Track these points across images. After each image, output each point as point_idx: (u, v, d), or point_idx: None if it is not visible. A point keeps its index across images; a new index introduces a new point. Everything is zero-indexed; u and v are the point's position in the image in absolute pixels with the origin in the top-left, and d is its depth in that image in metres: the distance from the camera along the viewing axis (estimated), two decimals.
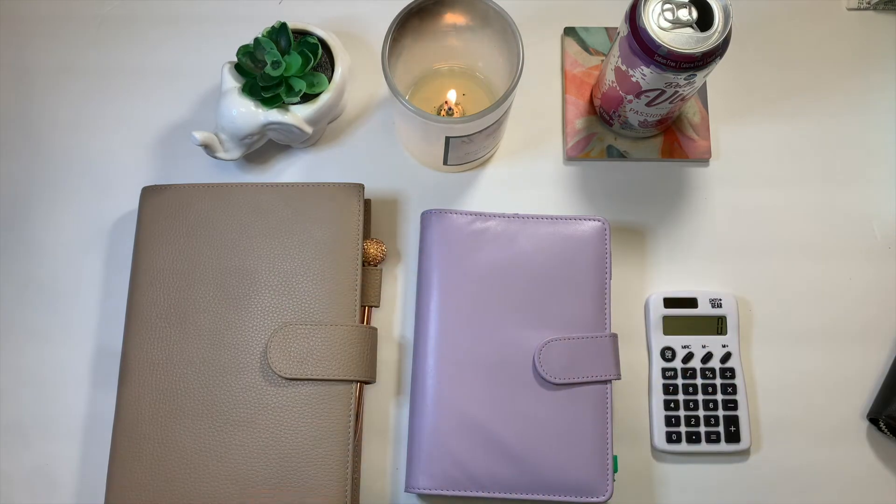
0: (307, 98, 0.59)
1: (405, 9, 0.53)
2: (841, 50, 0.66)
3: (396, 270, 0.62)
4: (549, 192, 0.63)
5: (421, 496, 0.58)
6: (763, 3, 0.67)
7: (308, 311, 0.56)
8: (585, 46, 0.65)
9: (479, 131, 0.55)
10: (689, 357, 0.59)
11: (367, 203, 0.62)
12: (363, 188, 0.59)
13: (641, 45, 0.52)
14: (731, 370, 0.58)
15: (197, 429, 0.55)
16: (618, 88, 0.57)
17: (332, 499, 0.53)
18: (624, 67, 0.55)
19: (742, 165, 0.64)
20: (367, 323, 0.59)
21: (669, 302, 0.60)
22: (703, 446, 0.58)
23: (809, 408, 0.59)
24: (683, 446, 0.57)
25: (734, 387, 0.58)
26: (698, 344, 0.59)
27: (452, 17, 0.56)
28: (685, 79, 0.53)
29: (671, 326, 0.59)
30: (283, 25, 0.58)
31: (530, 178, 0.64)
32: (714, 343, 0.59)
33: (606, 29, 0.66)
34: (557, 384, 0.56)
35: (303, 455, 0.54)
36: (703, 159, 0.64)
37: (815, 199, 0.63)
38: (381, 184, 0.63)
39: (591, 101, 0.64)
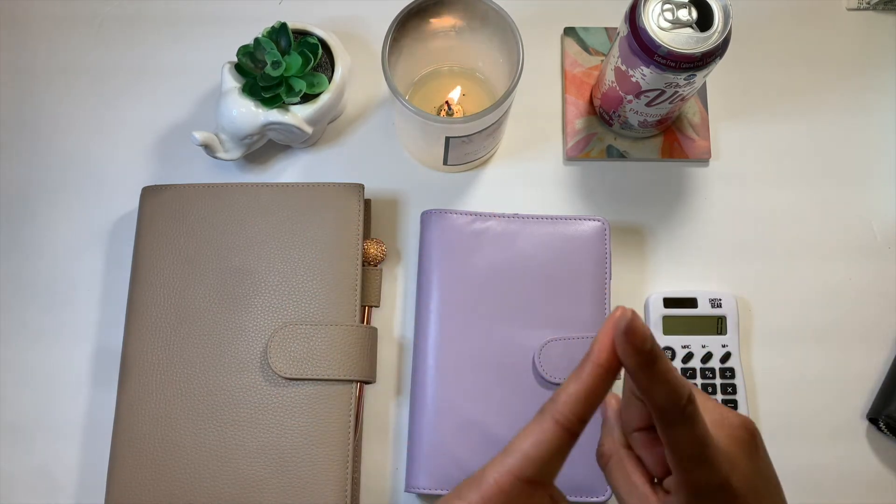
0: (307, 98, 0.59)
1: (405, 9, 0.53)
2: (841, 50, 0.66)
3: (396, 270, 0.62)
4: (549, 192, 0.63)
5: (421, 496, 0.58)
6: (763, 3, 0.67)
7: (308, 311, 0.56)
8: (585, 46, 0.65)
9: (479, 131, 0.55)
10: (688, 357, 0.59)
11: (367, 203, 0.62)
12: (363, 188, 0.59)
13: (641, 45, 0.52)
14: (731, 370, 0.58)
15: (197, 429, 0.55)
16: (618, 88, 0.57)
17: (331, 499, 0.53)
18: (624, 67, 0.55)
19: (742, 165, 0.64)
20: (367, 323, 0.59)
21: (669, 302, 0.60)
22: None
23: (809, 408, 0.59)
24: None
25: (734, 387, 0.58)
26: (698, 344, 0.59)
27: (452, 17, 0.56)
28: (685, 79, 0.53)
29: (671, 326, 0.59)
30: (283, 25, 0.58)
31: (530, 178, 0.64)
32: (714, 343, 0.59)
33: (606, 29, 0.66)
34: (558, 384, 0.56)
35: (303, 455, 0.54)
36: (703, 159, 0.64)
37: (815, 199, 0.63)
38: (381, 184, 0.63)
39: (591, 101, 0.64)
